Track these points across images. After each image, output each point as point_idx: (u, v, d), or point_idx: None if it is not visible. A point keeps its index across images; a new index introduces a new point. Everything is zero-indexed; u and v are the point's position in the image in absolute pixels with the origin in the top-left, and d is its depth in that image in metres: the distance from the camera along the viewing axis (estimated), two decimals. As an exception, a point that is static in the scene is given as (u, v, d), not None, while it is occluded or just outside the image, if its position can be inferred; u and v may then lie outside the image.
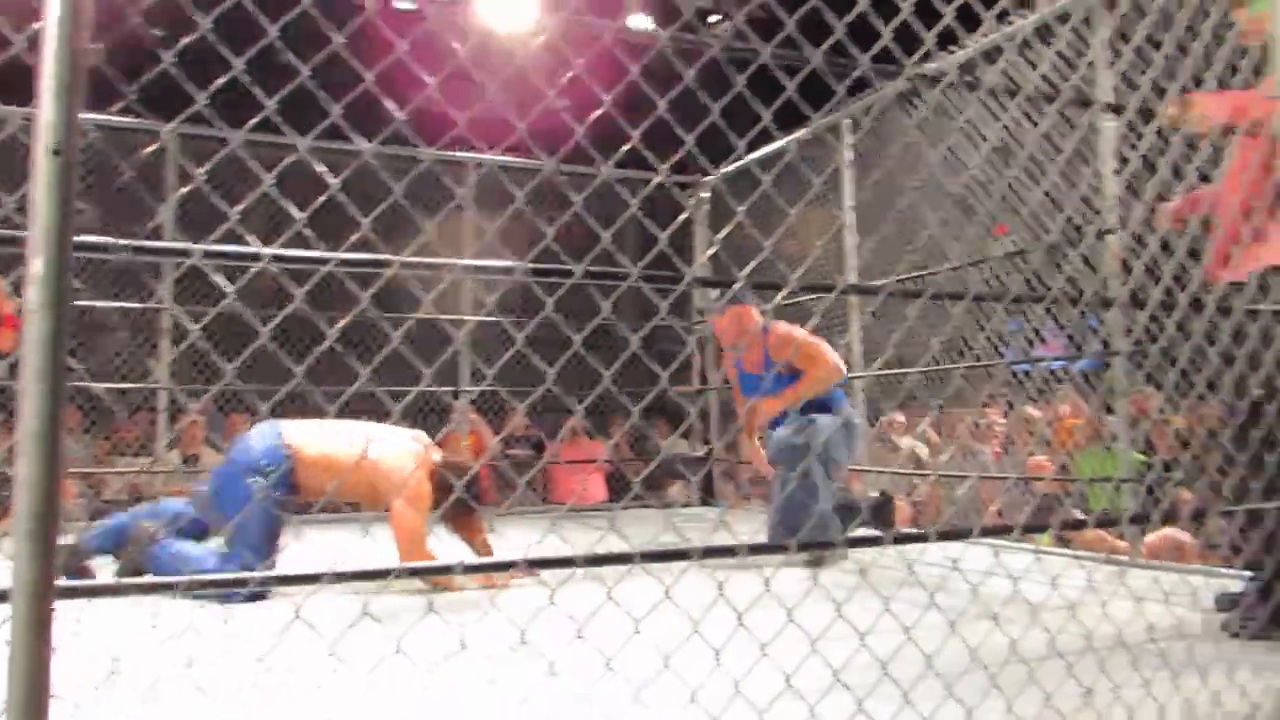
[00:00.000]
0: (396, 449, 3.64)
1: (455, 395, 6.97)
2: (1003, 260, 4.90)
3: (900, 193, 5.24)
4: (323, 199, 1.40)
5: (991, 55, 4.68)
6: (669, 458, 7.59)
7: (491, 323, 6.71)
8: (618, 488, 7.83)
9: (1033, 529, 1.95)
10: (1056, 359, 5.38)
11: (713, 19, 8.90)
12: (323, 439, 3.55)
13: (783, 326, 4.37)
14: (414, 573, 1.40)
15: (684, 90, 1.55)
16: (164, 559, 3.39)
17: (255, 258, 1.38)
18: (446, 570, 1.47)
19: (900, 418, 6.59)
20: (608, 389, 1.44)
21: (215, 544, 3.57)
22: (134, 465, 6.90)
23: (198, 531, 3.64)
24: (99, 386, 6.21)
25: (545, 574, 1.45)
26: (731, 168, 6.88)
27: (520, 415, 7.70)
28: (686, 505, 7.27)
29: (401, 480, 3.60)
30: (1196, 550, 4.05)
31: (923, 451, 6.30)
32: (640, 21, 8.49)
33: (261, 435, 3.58)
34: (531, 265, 1.48)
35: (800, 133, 5.75)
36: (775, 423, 4.42)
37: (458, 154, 6.70)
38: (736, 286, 1.69)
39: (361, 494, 3.69)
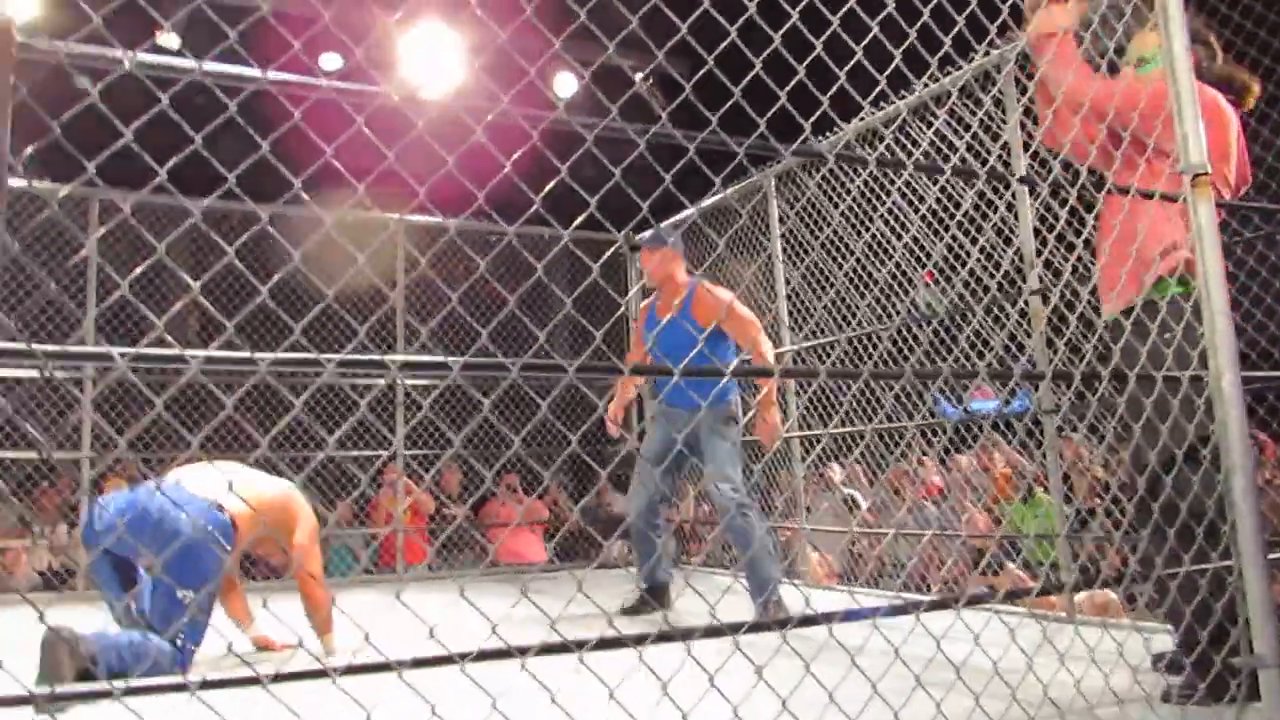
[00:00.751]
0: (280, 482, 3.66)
1: (390, 459, 6.84)
2: (935, 315, 5.00)
3: (841, 252, 5.32)
4: (251, 306, 1.38)
5: (910, 120, 4.79)
6: (604, 517, 7.53)
7: (426, 386, 6.62)
8: (558, 547, 7.74)
9: (977, 599, 1.96)
10: (990, 408, 5.47)
11: (639, 76, 8.97)
12: (242, 489, 3.42)
13: (711, 290, 4.31)
14: (315, 670, 1.36)
15: (614, 158, 1.58)
16: (117, 654, 3.02)
17: (182, 360, 1.35)
18: (386, 668, 1.43)
19: (837, 467, 6.60)
20: (544, 449, 1.43)
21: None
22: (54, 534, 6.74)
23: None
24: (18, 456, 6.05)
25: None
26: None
27: (455, 476, 7.62)
28: (627, 566, 7.17)
29: (307, 514, 3.65)
30: (1124, 606, 4.11)
31: (859, 499, 6.31)
32: (566, 85, 8.54)
33: (175, 498, 3.28)
34: (466, 360, 1.46)
35: (708, 201, 5.84)
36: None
37: (423, 217, 6.59)
38: (656, 352, 1.69)
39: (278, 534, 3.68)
